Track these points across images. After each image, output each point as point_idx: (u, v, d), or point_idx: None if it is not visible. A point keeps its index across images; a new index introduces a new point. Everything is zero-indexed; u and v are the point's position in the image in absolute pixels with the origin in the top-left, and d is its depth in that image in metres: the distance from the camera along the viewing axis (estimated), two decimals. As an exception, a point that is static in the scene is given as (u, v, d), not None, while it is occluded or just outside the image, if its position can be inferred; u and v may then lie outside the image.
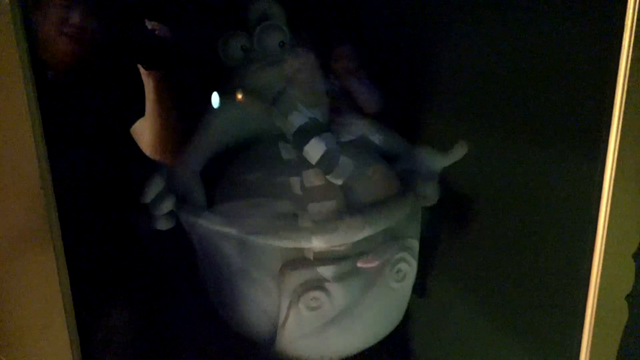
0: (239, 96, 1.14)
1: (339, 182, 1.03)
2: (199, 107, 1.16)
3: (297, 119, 1.07)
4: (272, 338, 0.98)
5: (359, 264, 0.98)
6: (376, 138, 1.21)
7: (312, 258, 0.93)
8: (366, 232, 0.96)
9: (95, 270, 0.88)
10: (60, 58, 0.92)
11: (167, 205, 0.97)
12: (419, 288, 1.24)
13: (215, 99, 1.15)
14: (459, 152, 1.18)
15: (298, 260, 0.92)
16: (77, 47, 0.92)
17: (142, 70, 0.89)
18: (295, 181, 1.01)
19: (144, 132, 0.94)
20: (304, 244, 0.93)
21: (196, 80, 1.19)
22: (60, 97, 0.90)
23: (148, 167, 0.98)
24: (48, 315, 0.67)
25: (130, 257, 1.00)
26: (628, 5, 0.85)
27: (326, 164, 1.01)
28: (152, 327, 1.10)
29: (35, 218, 0.64)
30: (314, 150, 1.02)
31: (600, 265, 0.99)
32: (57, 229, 0.66)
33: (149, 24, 0.90)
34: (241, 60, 1.14)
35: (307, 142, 1.03)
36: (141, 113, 0.94)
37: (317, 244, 0.93)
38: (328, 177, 1.02)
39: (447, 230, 1.24)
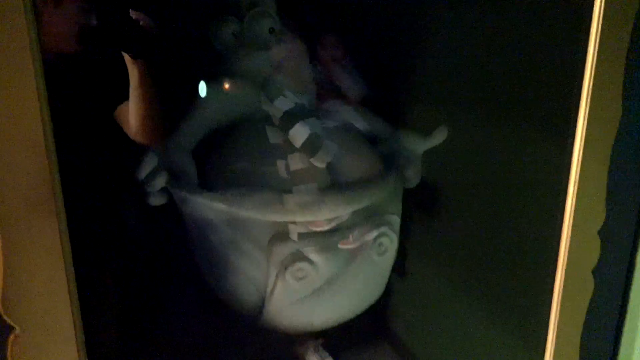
0: (226, 86, 1.18)
1: (323, 165, 1.07)
2: (184, 93, 1.19)
3: (283, 104, 1.12)
4: (260, 308, 1.03)
5: (340, 245, 1.03)
6: (360, 124, 1.26)
7: (298, 232, 0.97)
8: (348, 209, 1.00)
9: (94, 237, 0.92)
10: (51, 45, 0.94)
11: (160, 181, 1.01)
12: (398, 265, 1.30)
13: (202, 89, 1.19)
14: (439, 136, 1.23)
15: (286, 233, 0.97)
16: (62, 35, 0.94)
17: (127, 58, 0.92)
18: (281, 164, 1.06)
19: (127, 116, 0.97)
20: (290, 220, 0.97)
21: (182, 66, 1.22)
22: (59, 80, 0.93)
23: (142, 146, 1.02)
24: (51, 279, 0.72)
25: (128, 228, 1.05)
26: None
27: (310, 147, 1.06)
28: (145, 296, 1.15)
29: (41, 186, 0.68)
30: (299, 134, 1.07)
31: (569, 242, 1.04)
32: (61, 197, 0.70)
33: (134, 13, 0.92)
34: (232, 46, 1.18)
35: (292, 126, 1.08)
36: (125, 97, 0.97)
37: (303, 219, 0.98)
38: (312, 160, 1.07)
39: (423, 209, 1.28)
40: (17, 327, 0.71)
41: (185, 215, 1.07)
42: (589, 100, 0.96)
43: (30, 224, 0.69)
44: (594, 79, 0.96)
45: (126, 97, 0.96)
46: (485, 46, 1.16)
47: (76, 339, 0.75)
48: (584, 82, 0.97)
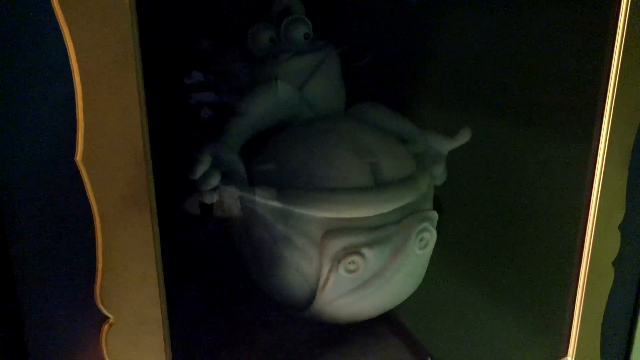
0: None
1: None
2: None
3: None
4: (309, 301, 1.08)
5: None
6: (389, 124, 1.31)
7: (350, 227, 1.03)
8: (394, 205, 1.06)
9: (181, 234, 0.97)
10: None
11: (214, 181, 1.06)
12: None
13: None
14: (464, 136, 1.30)
15: (338, 229, 1.01)
16: None
17: None
18: (327, 164, 1.10)
19: None
20: (342, 215, 1.03)
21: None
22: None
23: (195, 147, 1.07)
24: (143, 272, 0.77)
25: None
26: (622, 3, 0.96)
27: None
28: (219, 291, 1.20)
29: (138, 187, 0.73)
30: None
31: (592, 236, 1.11)
32: (154, 197, 0.75)
33: None
34: (270, 51, 1.23)
35: None
36: None
37: (353, 214, 1.03)
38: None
39: (443, 205, 1.33)
40: (111, 317, 0.76)
41: (234, 211, 1.11)
42: (613, 100, 1.03)
43: (126, 221, 0.74)
44: (618, 84, 1.02)
45: None
46: (509, 46, 1.22)
47: (163, 329, 0.80)
48: (609, 87, 1.03)
